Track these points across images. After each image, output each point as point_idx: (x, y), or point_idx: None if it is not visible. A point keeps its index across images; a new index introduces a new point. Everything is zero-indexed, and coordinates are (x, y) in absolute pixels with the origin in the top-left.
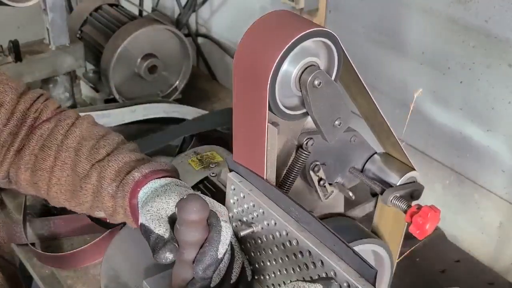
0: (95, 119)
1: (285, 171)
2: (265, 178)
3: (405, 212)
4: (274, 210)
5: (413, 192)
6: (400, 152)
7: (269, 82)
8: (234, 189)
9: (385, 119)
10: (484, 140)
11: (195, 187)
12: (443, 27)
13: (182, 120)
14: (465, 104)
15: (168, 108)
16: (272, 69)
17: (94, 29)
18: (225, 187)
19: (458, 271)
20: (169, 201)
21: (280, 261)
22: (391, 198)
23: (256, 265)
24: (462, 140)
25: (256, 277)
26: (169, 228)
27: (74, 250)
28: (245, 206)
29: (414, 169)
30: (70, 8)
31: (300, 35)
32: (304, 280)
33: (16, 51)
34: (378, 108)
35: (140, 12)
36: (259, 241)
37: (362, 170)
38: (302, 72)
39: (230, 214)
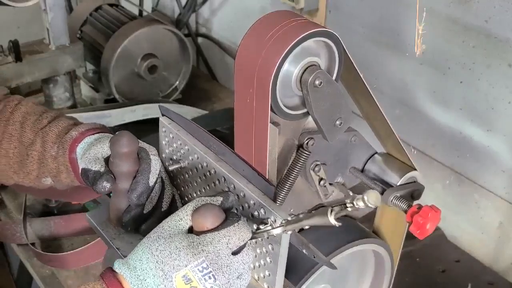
0: (95, 120)
1: (285, 171)
2: (266, 177)
3: (405, 212)
4: (196, 146)
5: (413, 192)
6: (401, 151)
7: (271, 83)
8: (165, 131)
9: (386, 119)
10: (484, 140)
11: None
12: (443, 27)
13: None
14: (465, 104)
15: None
16: (274, 70)
17: (94, 29)
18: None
19: (458, 271)
20: (104, 146)
21: (203, 190)
22: (392, 198)
23: (186, 198)
24: (462, 140)
25: None
26: (105, 165)
27: (74, 250)
28: (174, 145)
29: (415, 169)
30: (70, 8)
31: (301, 35)
32: (208, 196)
33: (16, 51)
34: (380, 107)
35: (140, 12)
36: (187, 175)
37: (362, 170)
38: (303, 72)
39: (163, 155)
